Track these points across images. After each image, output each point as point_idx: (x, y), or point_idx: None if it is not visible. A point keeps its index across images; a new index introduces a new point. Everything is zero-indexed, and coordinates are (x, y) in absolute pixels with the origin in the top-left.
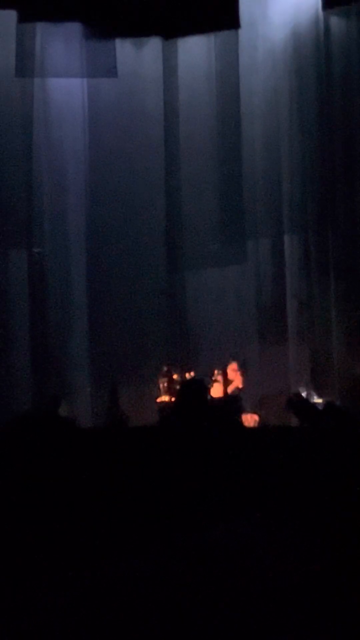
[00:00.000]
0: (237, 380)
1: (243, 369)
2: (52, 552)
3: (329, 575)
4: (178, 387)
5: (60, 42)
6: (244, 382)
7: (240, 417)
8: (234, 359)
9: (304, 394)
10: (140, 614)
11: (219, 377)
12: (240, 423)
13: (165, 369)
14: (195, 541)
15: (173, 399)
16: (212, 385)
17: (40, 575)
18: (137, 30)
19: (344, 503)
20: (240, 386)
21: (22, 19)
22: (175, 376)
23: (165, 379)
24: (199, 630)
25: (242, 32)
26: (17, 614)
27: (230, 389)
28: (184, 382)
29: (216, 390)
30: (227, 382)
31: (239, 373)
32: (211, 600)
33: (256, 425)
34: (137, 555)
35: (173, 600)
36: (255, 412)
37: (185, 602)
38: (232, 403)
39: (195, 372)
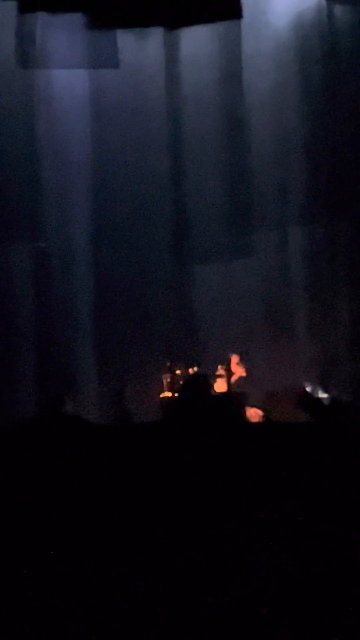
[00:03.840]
0: (239, 372)
1: (245, 361)
2: (55, 548)
3: (332, 571)
4: (182, 382)
5: (62, 33)
6: (248, 375)
7: (244, 412)
8: (236, 353)
9: (310, 389)
10: (141, 612)
11: (223, 373)
12: (245, 418)
13: (169, 364)
14: (199, 536)
15: (177, 395)
16: (216, 381)
17: (43, 571)
18: (139, 20)
19: (350, 497)
20: (243, 377)
21: (23, 9)
22: (178, 372)
23: (169, 375)
24: (200, 629)
25: (245, 21)
26: (18, 612)
27: (234, 381)
28: (187, 378)
29: (220, 386)
30: (230, 376)
31: (241, 365)
32: (214, 597)
33: (261, 420)
34: (141, 550)
35: (174, 598)
36: (260, 408)
37: (187, 600)
38: (236, 398)
39: (199, 368)
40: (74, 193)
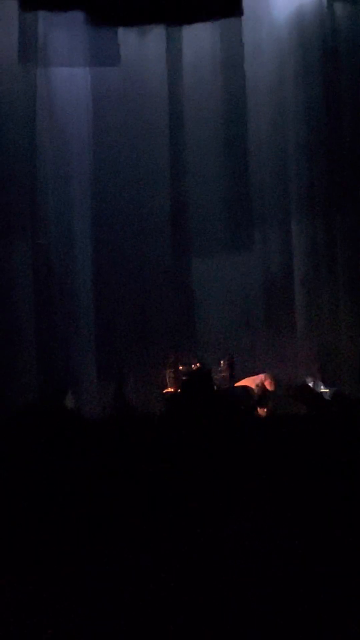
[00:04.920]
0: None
1: (247, 356)
2: (55, 544)
3: (333, 569)
4: (184, 377)
5: (63, 31)
6: (250, 370)
7: (246, 406)
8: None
9: (311, 383)
10: (141, 609)
11: (226, 367)
12: (247, 413)
13: (171, 358)
14: (201, 534)
15: (179, 389)
16: (218, 375)
17: (41, 568)
18: (141, 17)
19: (351, 493)
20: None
21: (24, 7)
22: (181, 366)
23: (172, 369)
24: (200, 627)
25: (246, 18)
26: (17, 607)
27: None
28: (190, 372)
29: (222, 381)
30: (258, 389)
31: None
32: (216, 595)
33: (263, 414)
34: (141, 548)
35: (175, 595)
36: (262, 402)
37: (188, 597)
38: (239, 393)
39: (202, 362)
40: (74, 189)
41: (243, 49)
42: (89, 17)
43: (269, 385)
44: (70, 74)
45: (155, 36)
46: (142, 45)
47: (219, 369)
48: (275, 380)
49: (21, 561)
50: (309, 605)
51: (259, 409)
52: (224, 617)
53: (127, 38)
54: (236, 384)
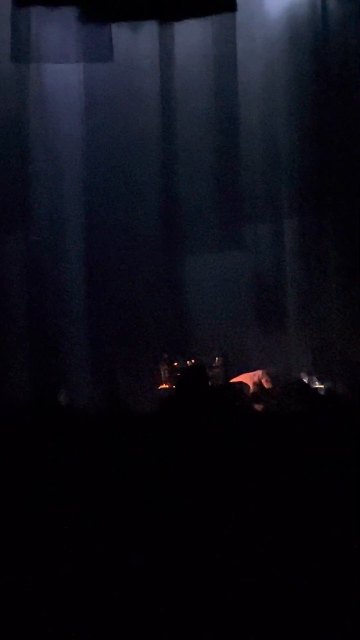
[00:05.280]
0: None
1: (241, 353)
2: (50, 543)
3: (329, 564)
4: (179, 374)
5: (56, 27)
6: (244, 366)
7: (241, 404)
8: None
9: (305, 380)
10: (139, 608)
11: (221, 364)
12: (241, 410)
13: (165, 356)
14: (197, 532)
15: (174, 386)
16: (213, 372)
17: (37, 567)
18: (134, 13)
19: (346, 489)
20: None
21: (17, 3)
22: (176, 363)
23: (166, 366)
24: (198, 626)
25: (239, 14)
26: (14, 606)
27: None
28: (185, 369)
29: (217, 378)
30: (255, 385)
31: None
32: (212, 595)
33: (257, 411)
34: (137, 547)
35: (173, 594)
36: (256, 399)
37: (186, 596)
38: (233, 390)
39: (196, 359)
40: (66, 186)
41: (236, 44)
42: (81, 13)
43: (265, 382)
44: (62, 69)
45: (148, 32)
46: (134, 42)
47: (214, 365)
48: (272, 377)
49: (18, 559)
50: (307, 604)
51: (255, 405)
52: (222, 616)
53: (120, 34)
54: (233, 380)
